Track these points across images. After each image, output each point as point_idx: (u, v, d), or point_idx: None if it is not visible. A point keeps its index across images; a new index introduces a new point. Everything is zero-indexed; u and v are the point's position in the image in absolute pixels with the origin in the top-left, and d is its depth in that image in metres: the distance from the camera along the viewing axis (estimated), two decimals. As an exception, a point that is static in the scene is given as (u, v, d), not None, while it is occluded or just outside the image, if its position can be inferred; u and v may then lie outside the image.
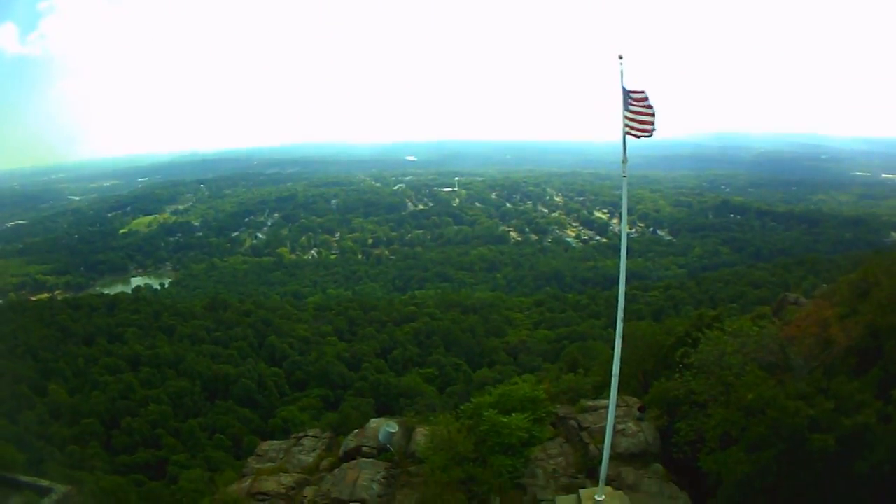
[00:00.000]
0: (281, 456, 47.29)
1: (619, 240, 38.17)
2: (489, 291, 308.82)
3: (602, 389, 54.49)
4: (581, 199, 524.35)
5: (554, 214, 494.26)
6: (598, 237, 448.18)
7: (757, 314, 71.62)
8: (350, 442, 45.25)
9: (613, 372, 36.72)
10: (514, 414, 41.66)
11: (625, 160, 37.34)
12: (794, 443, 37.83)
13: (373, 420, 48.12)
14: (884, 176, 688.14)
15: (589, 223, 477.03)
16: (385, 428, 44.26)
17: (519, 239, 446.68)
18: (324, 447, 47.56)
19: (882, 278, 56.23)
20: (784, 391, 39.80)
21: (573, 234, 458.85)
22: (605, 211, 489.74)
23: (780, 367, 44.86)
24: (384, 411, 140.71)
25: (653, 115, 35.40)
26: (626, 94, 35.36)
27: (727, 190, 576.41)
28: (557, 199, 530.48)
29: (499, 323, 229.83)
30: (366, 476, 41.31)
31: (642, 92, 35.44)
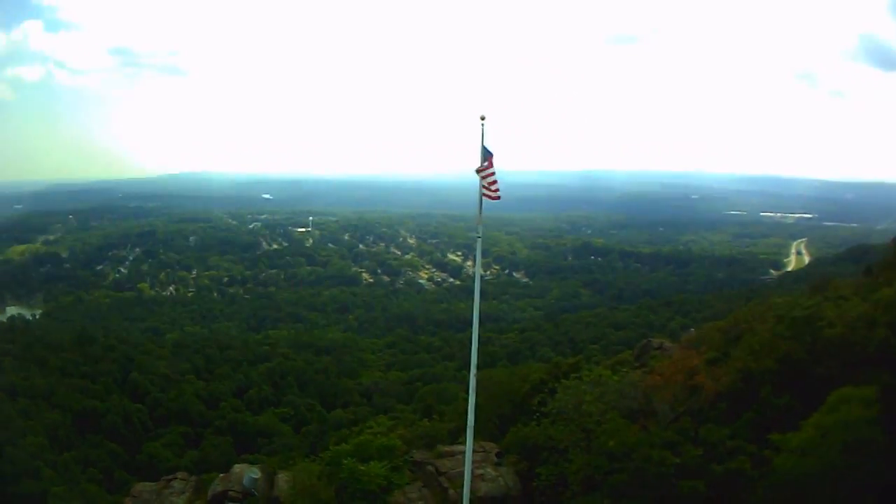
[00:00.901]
0: (154, 498, 45.93)
1: (473, 298, 37.70)
2: (341, 332, 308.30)
3: (458, 434, 53.95)
4: (434, 241, 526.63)
5: (407, 256, 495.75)
6: (451, 279, 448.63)
7: (617, 360, 74.33)
8: (217, 486, 44.29)
9: (469, 423, 35.84)
10: (372, 462, 42.05)
11: (479, 221, 37.90)
12: (663, 489, 37.57)
13: (236, 465, 47.58)
14: (762, 214, 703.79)
15: (442, 265, 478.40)
16: (248, 473, 43.98)
17: (371, 280, 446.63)
18: (192, 490, 46.23)
19: (755, 324, 57.93)
20: (648, 439, 40.01)
21: (426, 277, 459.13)
22: (459, 253, 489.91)
23: (644, 414, 45.23)
24: (243, 450, 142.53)
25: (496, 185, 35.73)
26: (486, 154, 35.41)
27: (588, 232, 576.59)
28: (411, 241, 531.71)
29: (351, 364, 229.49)
30: (234, 521, 41.68)
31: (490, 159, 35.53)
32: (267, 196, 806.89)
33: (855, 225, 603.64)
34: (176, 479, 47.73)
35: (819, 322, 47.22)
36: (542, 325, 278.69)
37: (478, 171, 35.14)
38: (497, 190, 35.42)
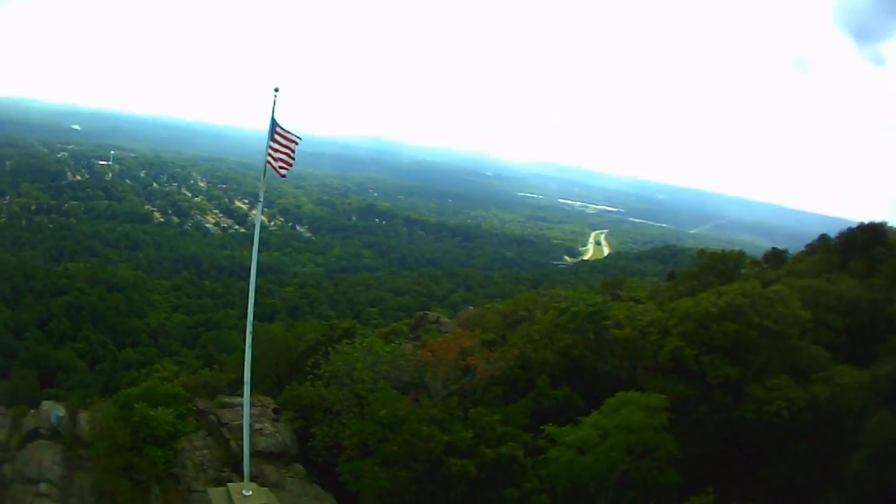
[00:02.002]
0: (-23, 432, 47.76)
1: (251, 257, 39.57)
2: (132, 270, 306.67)
3: (237, 386, 55.66)
4: (224, 186, 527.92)
5: (196, 199, 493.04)
6: (236, 226, 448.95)
7: (393, 329, 77.54)
8: (29, 422, 46.29)
9: (246, 378, 38.53)
10: (160, 408, 42.92)
11: (263, 186, 40.81)
12: (432, 464, 39.33)
13: (44, 402, 48.95)
14: (560, 200, 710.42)
15: (229, 211, 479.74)
16: (54, 411, 46.26)
17: (162, 220, 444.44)
18: (10, 424, 47.33)
19: (536, 313, 59.97)
20: (419, 413, 41.65)
21: (213, 221, 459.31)
22: (246, 201, 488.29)
23: (416, 388, 47.24)
24: (46, 384, 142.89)
25: (292, 159, 37.22)
26: (275, 126, 36.57)
27: (375, 194, 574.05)
28: (201, 184, 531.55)
29: (140, 303, 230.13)
30: (47, 457, 42.78)
31: (294, 139, 37.11)
32: (76, 127, 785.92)
33: (665, 225, 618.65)
34: (-6, 413, 48.79)
35: (605, 321, 49.41)
36: (322, 282, 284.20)
37: (272, 150, 36.90)
38: (285, 166, 37.03)
